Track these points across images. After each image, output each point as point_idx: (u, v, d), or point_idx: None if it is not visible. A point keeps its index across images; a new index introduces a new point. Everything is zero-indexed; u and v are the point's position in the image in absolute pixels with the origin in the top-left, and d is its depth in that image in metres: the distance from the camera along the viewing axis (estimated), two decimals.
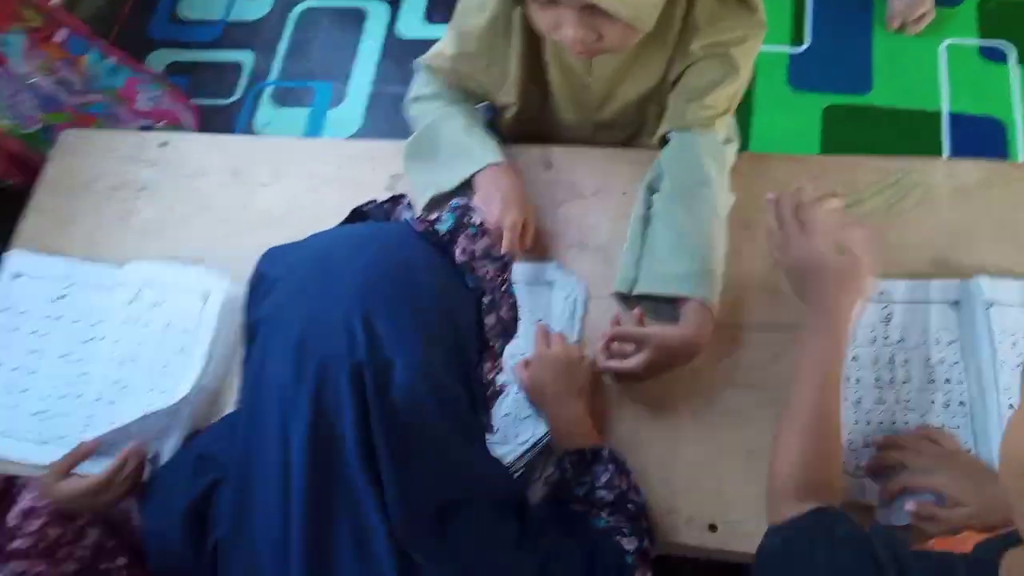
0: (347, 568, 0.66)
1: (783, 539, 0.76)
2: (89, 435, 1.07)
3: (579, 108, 1.21)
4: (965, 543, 0.66)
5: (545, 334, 1.06)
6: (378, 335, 0.64)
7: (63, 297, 1.20)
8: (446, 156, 1.15)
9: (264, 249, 0.76)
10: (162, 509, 0.78)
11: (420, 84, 1.22)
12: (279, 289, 0.70)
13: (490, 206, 1.09)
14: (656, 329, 0.99)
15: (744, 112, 2.02)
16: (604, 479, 0.89)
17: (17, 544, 0.94)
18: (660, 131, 1.14)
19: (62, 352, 1.16)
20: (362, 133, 2.17)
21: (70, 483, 0.98)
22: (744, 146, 1.91)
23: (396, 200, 0.81)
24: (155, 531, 0.78)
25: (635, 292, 1.05)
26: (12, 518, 0.96)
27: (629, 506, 0.88)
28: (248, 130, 2.22)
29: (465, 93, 1.21)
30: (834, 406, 0.83)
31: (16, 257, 1.25)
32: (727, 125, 1.14)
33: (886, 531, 0.74)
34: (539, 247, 1.14)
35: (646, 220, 1.09)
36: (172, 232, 1.26)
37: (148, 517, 0.81)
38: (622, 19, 0.89)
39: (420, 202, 1.13)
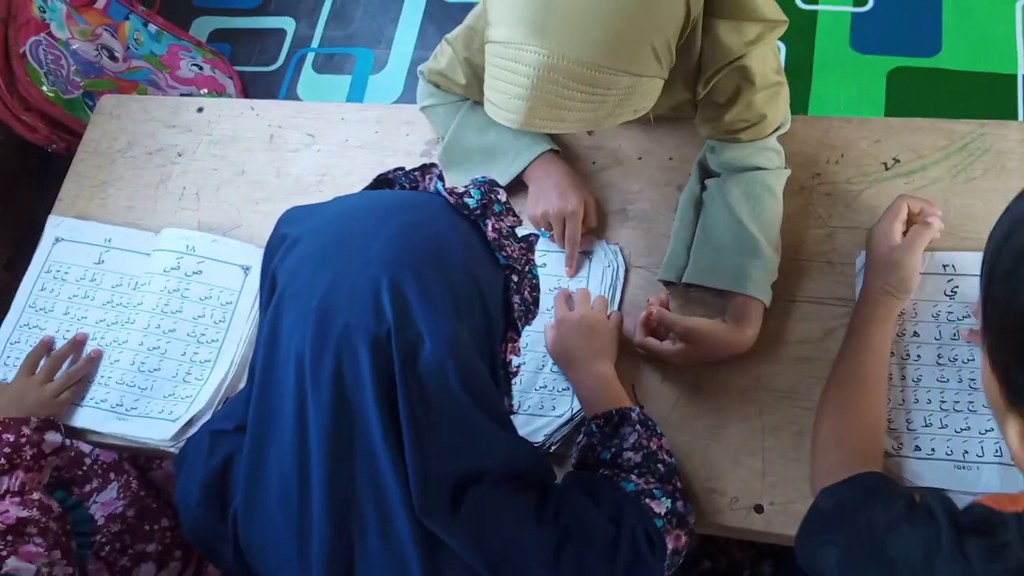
0: (370, 544, 0.65)
1: (838, 498, 0.76)
2: (129, 399, 1.09)
3: None
4: (1016, 502, 0.64)
5: (567, 297, 1.03)
6: (407, 306, 0.62)
7: (101, 262, 1.21)
8: (484, 158, 1.10)
9: None
10: (186, 481, 0.78)
11: (425, 94, 1.16)
12: (300, 251, 0.68)
13: (548, 197, 1.05)
14: (702, 324, 0.94)
15: (804, 77, 1.93)
16: (632, 440, 0.86)
17: None
18: (702, 132, 1.04)
19: (100, 317, 1.17)
20: (403, 100, 2.14)
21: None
22: (804, 112, 1.84)
23: (426, 169, 0.77)
24: (183, 502, 0.78)
25: (685, 281, 0.99)
26: None
27: (659, 466, 0.84)
28: (290, 97, 2.21)
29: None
30: (869, 368, 0.88)
31: (56, 222, 1.26)
32: (774, 121, 1.00)
33: (933, 490, 0.73)
34: (600, 228, 1.10)
35: (698, 202, 1.03)
36: (207, 197, 1.25)
37: (177, 488, 0.81)
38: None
39: None
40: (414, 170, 0.77)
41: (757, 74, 0.92)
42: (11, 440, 0.99)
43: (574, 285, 1.06)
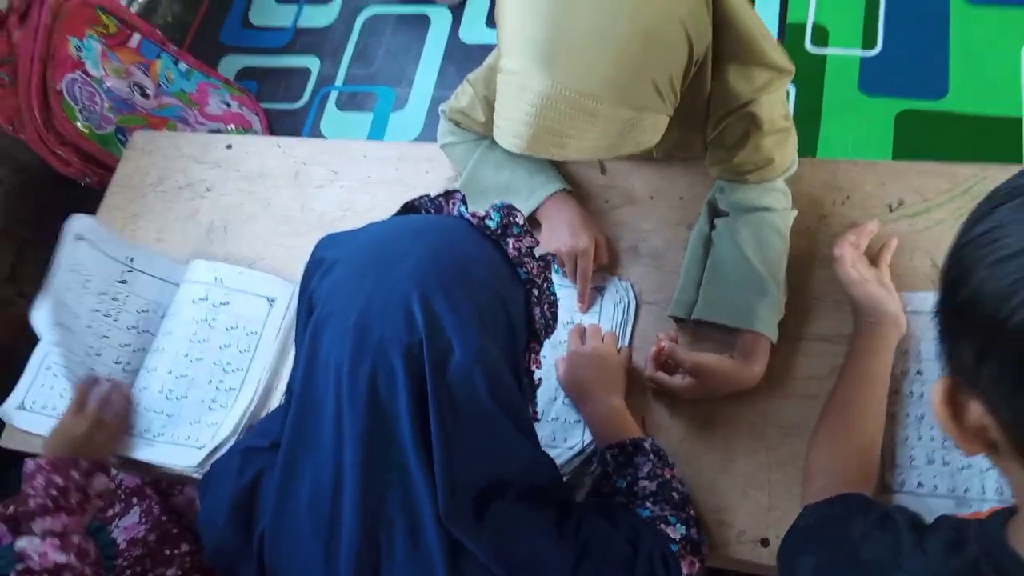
0: (397, 550, 0.67)
1: (819, 514, 0.77)
2: (156, 425, 1.12)
3: None
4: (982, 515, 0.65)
5: (580, 331, 1.06)
6: (437, 318, 0.66)
7: (124, 282, 1.22)
8: (499, 195, 1.13)
9: None
10: (213, 500, 0.80)
11: (445, 132, 1.20)
12: (337, 273, 0.72)
13: (560, 235, 1.09)
14: (711, 359, 0.97)
15: (813, 119, 1.96)
16: (646, 469, 0.88)
17: (32, 505, 0.98)
18: (711, 173, 1.08)
19: (125, 341, 1.19)
20: (423, 137, 2.20)
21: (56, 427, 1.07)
22: (812, 154, 1.87)
23: (449, 195, 0.82)
24: (208, 522, 0.80)
25: (694, 317, 1.02)
26: (24, 486, 1.01)
27: (673, 494, 0.86)
28: (314, 134, 2.27)
29: None
30: (860, 396, 0.91)
31: (78, 220, 1.17)
32: (782, 165, 1.02)
33: (901, 507, 0.74)
34: (612, 265, 1.13)
35: (708, 241, 1.06)
36: (234, 231, 1.29)
37: (202, 509, 0.83)
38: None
39: None
40: (438, 196, 0.82)
41: (765, 120, 0.95)
42: (59, 484, 0.99)
43: (586, 320, 1.09)
